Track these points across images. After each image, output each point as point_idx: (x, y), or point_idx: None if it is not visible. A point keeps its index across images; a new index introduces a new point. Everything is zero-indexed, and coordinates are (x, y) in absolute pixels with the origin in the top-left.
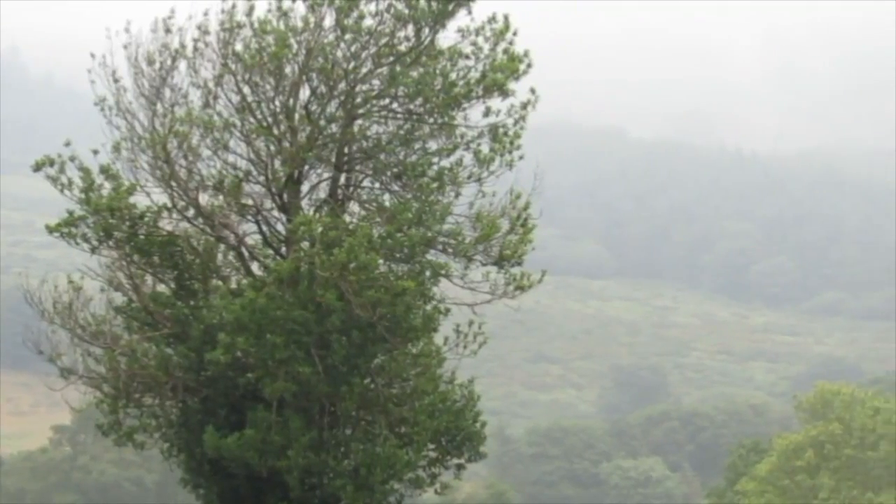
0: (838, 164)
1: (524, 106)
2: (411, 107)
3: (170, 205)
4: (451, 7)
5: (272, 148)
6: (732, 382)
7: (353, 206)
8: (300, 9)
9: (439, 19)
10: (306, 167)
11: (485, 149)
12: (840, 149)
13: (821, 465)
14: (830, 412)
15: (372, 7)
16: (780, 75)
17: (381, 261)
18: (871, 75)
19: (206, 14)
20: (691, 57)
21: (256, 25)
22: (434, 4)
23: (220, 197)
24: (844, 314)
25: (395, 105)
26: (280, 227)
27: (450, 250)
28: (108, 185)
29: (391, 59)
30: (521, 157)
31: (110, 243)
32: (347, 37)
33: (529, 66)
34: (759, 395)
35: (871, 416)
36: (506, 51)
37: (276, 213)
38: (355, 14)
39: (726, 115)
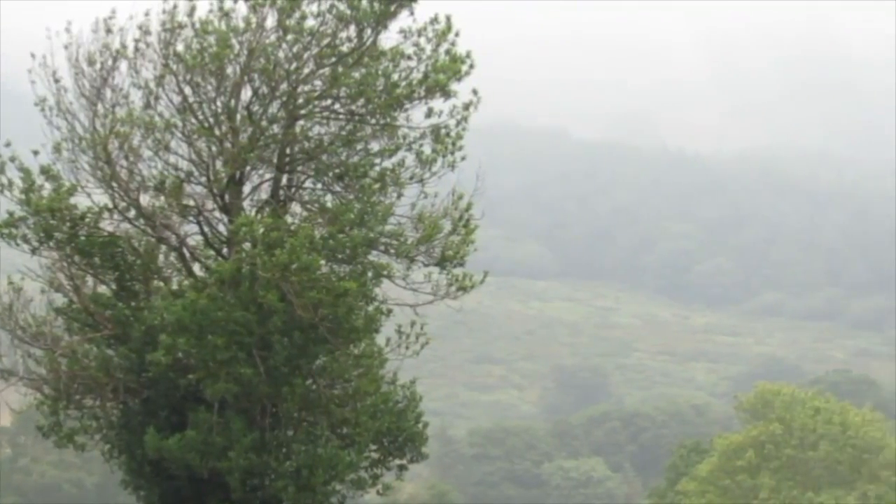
0: (779, 165)
1: (466, 107)
2: (353, 107)
3: (111, 205)
4: (393, 8)
5: (214, 149)
6: (674, 383)
7: (295, 207)
8: (242, 9)
9: (381, 20)
10: (248, 168)
11: (427, 150)
12: (781, 150)
13: (761, 465)
14: (771, 412)
15: (314, 8)
16: (721, 76)
17: (322, 262)
18: (812, 77)
19: (147, 14)
20: (633, 57)
21: (198, 26)
22: (376, 5)
23: (162, 198)
24: (785, 315)
25: (337, 106)
26: (222, 228)
27: (392, 251)
28: (48, 186)
29: (333, 59)
30: (463, 158)
31: (51, 244)
32: (289, 37)
33: (472, 66)
34: (700, 395)
35: (812, 417)
36: (448, 52)
37: (217, 213)
38: (297, 15)
39: (668, 116)
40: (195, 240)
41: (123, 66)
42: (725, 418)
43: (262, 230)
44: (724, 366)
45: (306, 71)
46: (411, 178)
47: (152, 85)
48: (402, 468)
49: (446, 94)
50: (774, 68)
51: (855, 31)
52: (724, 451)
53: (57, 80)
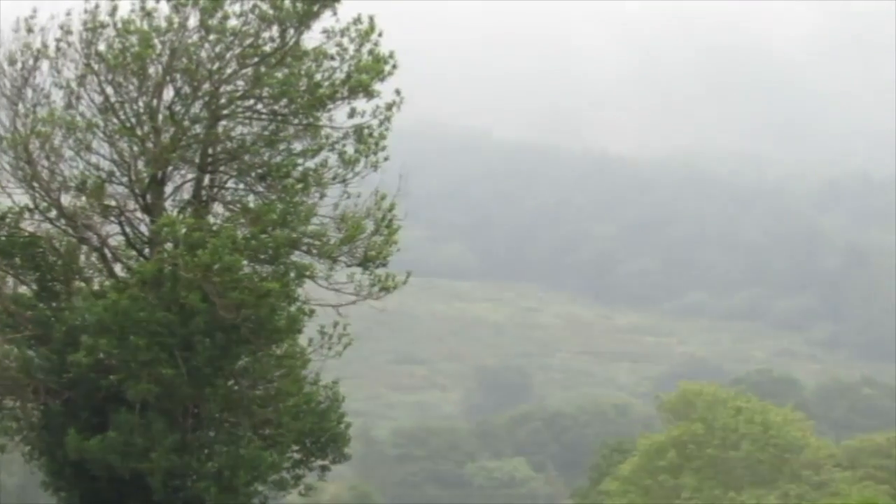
0: (702, 165)
1: (389, 107)
2: (276, 108)
3: (32, 206)
4: (315, 8)
5: (135, 149)
6: (596, 383)
7: (218, 208)
8: (164, 9)
9: (304, 20)
10: (170, 168)
11: (350, 150)
12: (704, 150)
13: (683, 464)
14: (693, 412)
15: (236, 7)
16: (643, 77)
17: (245, 262)
18: (734, 76)
19: (68, 14)
20: (555, 57)
21: (120, 25)
22: (299, 5)
23: (83, 198)
24: (707, 314)
25: (259, 106)
26: (143, 229)
27: (314, 251)
28: None
29: (256, 59)
30: (386, 159)
31: None
32: (212, 37)
33: (395, 67)
34: (622, 395)
35: (733, 416)
36: (371, 52)
37: (139, 214)
38: (220, 14)
39: (591, 117)
40: (117, 240)
41: (45, 65)
42: (648, 418)
43: (184, 230)
44: (646, 366)
45: (229, 71)
46: (334, 178)
47: (74, 85)
48: (324, 469)
49: (369, 95)
50: (696, 68)
51: (776, 29)
52: (647, 450)
53: None
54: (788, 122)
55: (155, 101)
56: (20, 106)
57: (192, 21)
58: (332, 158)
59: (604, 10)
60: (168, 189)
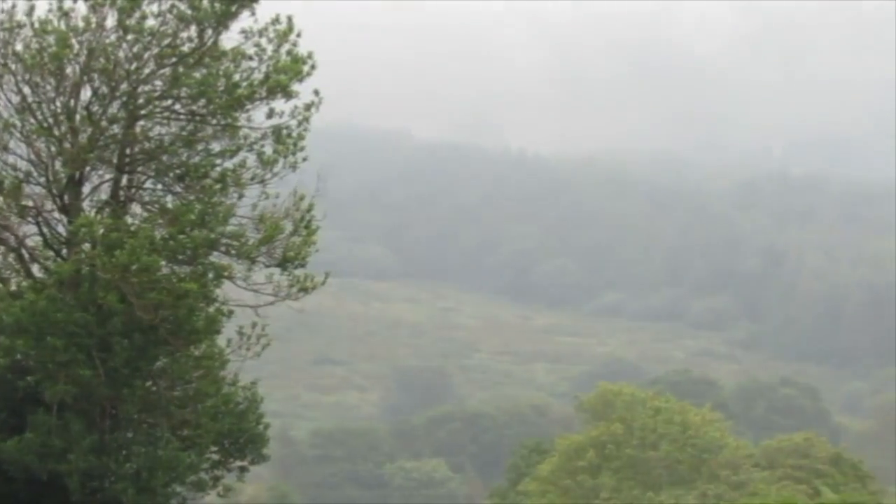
0: (620, 166)
1: (308, 107)
2: (194, 108)
3: None
4: (234, 8)
5: (53, 149)
6: (515, 383)
7: (136, 208)
8: (82, 9)
9: (222, 20)
10: (88, 168)
11: (268, 150)
12: (622, 151)
13: (602, 465)
14: (612, 412)
15: (154, 8)
16: (561, 78)
17: (163, 262)
18: (653, 77)
19: None
20: (475, 57)
21: (37, 25)
22: (217, 5)
23: (0, 198)
24: (626, 315)
25: (177, 106)
26: (61, 229)
27: (233, 252)
28: None
29: (174, 59)
30: (304, 159)
31: None
32: (129, 37)
33: (313, 67)
34: (541, 395)
35: (652, 416)
36: (289, 52)
37: (57, 214)
38: (137, 15)
39: (511, 117)
40: (34, 240)
41: None
42: (566, 418)
43: (101, 231)
44: (565, 366)
45: (147, 71)
46: (252, 178)
47: None
48: (242, 470)
49: (288, 95)
50: (616, 68)
51: (695, 29)
52: (566, 451)
53: None
54: (707, 123)
55: (72, 102)
56: None
57: (110, 21)
58: (251, 159)
59: (523, 10)
60: (86, 189)
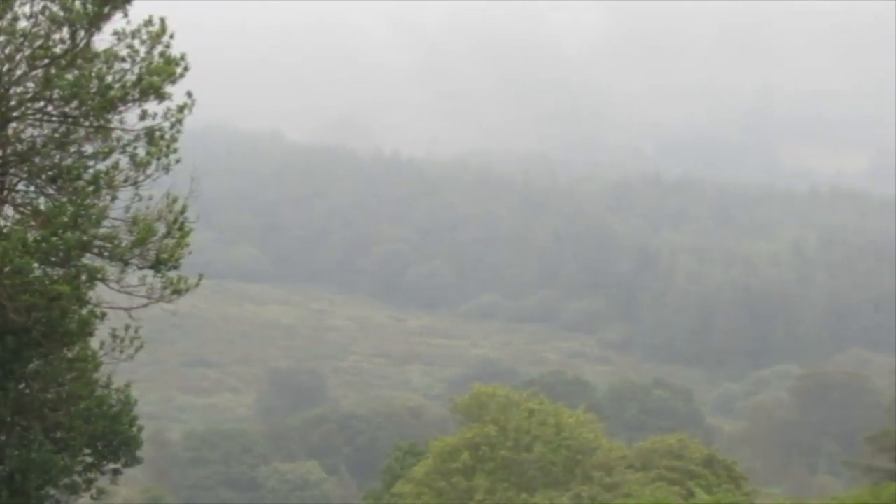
0: (493, 167)
1: (181, 109)
2: (67, 109)
3: None
4: (106, 10)
5: None
6: (390, 385)
7: (8, 210)
8: None
9: (95, 22)
10: None
11: (141, 152)
12: (495, 152)
13: (476, 466)
14: (486, 414)
15: (26, 9)
16: (434, 80)
17: (36, 265)
18: (524, 79)
19: None
20: (347, 59)
21: None
22: (89, 7)
23: None
24: (500, 317)
25: (50, 108)
26: None
27: (106, 254)
28: None
29: (46, 61)
30: (177, 161)
31: None
32: (1, 38)
33: (186, 69)
34: (415, 397)
35: (526, 418)
36: (162, 54)
37: None
38: (9, 16)
39: (383, 119)
40: None
41: None
42: (441, 420)
43: None
44: (439, 368)
45: (19, 73)
46: (126, 180)
47: None
48: (116, 472)
49: (161, 97)
50: (487, 70)
51: (566, 31)
52: (440, 453)
53: None
54: (579, 124)
55: None
56: None
57: None
58: (124, 161)
59: (394, 11)
60: None
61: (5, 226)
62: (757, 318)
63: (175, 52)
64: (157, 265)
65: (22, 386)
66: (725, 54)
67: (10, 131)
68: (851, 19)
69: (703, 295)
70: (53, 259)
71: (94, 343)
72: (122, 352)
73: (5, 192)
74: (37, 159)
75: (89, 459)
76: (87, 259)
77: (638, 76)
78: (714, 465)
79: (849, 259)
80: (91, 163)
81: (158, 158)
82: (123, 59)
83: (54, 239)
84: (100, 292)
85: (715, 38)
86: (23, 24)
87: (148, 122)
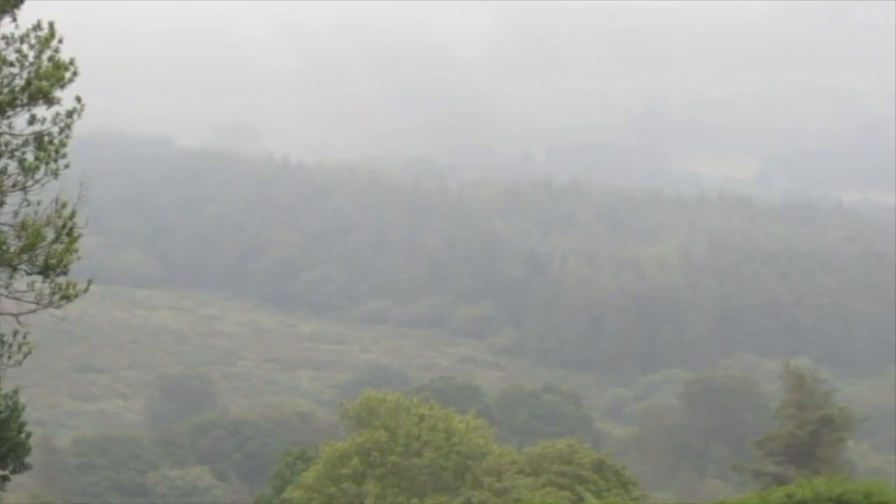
0: (383, 173)
1: (70, 114)
2: None
3: None
4: None
5: None
6: (280, 391)
7: None
8: None
9: None
10: None
11: (30, 157)
12: (384, 157)
13: (367, 472)
14: (376, 419)
15: None
16: (323, 84)
17: None
18: (413, 84)
19: None
20: (236, 64)
21: None
22: None
23: None
24: (390, 322)
25: None
26: None
27: None
28: None
29: None
30: (66, 166)
31: None
32: None
33: (75, 73)
34: (305, 403)
35: (416, 424)
36: (51, 58)
37: None
38: None
39: (273, 124)
40: None
41: None
42: (331, 426)
43: None
44: (329, 373)
45: None
46: (14, 185)
47: None
48: (4, 479)
49: (49, 102)
50: (375, 75)
51: (457, 36)
52: (330, 458)
53: None
54: (468, 130)
55: None
56: None
57: None
58: (12, 166)
59: (283, 14)
60: None
61: None
62: (646, 323)
63: (64, 56)
64: (45, 270)
65: None
66: (614, 59)
67: None
68: (739, 25)
69: (592, 300)
70: None
71: None
72: (10, 357)
73: None
74: None
75: None
76: None
77: (527, 81)
78: (604, 469)
79: (737, 264)
80: None
81: (47, 163)
82: (12, 64)
83: None
84: None
85: (604, 43)
86: None
87: (37, 127)
